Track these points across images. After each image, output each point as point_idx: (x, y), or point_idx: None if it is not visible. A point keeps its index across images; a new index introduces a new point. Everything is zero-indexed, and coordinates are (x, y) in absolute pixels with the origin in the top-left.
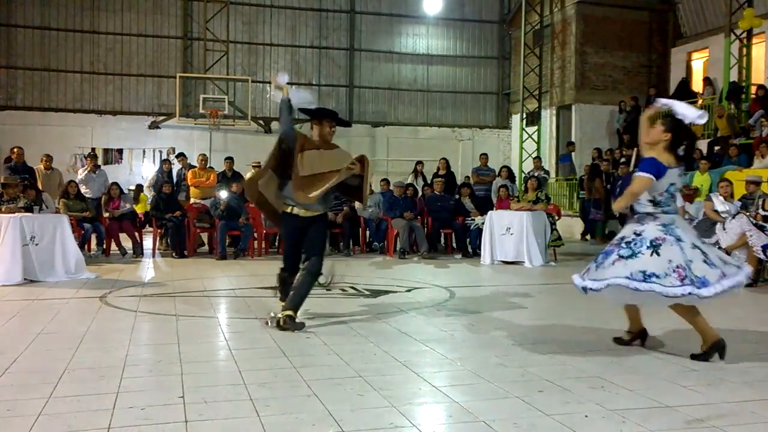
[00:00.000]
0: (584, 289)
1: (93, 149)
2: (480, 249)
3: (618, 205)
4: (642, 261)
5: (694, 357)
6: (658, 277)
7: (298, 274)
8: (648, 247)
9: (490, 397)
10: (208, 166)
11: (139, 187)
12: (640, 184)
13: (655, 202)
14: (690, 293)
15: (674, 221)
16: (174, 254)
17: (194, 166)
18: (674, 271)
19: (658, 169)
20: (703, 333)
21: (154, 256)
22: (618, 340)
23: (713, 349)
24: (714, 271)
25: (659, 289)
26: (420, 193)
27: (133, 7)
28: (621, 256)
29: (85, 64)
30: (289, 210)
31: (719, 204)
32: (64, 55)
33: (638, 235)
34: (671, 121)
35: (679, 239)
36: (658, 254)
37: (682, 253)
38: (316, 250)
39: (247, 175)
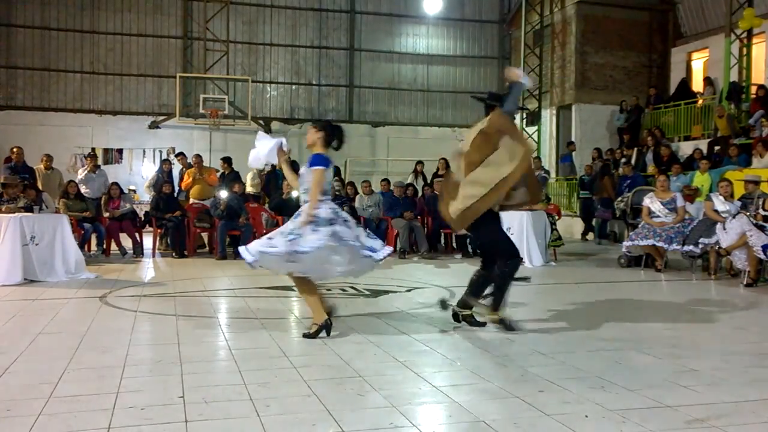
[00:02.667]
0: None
1: (93, 149)
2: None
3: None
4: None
5: (305, 336)
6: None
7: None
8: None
9: (490, 397)
10: (204, 165)
11: None
12: (319, 176)
13: (324, 192)
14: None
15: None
16: (174, 254)
17: (192, 166)
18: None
19: (327, 161)
20: (314, 311)
21: (154, 256)
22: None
23: (321, 328)
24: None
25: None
26: (420, 193)
27: (133, 7)
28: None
29: (85, 64)
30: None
31: (719, 204)
32: (64, 55)
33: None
34: (321, 123)
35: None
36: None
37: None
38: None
39: (248, 175)
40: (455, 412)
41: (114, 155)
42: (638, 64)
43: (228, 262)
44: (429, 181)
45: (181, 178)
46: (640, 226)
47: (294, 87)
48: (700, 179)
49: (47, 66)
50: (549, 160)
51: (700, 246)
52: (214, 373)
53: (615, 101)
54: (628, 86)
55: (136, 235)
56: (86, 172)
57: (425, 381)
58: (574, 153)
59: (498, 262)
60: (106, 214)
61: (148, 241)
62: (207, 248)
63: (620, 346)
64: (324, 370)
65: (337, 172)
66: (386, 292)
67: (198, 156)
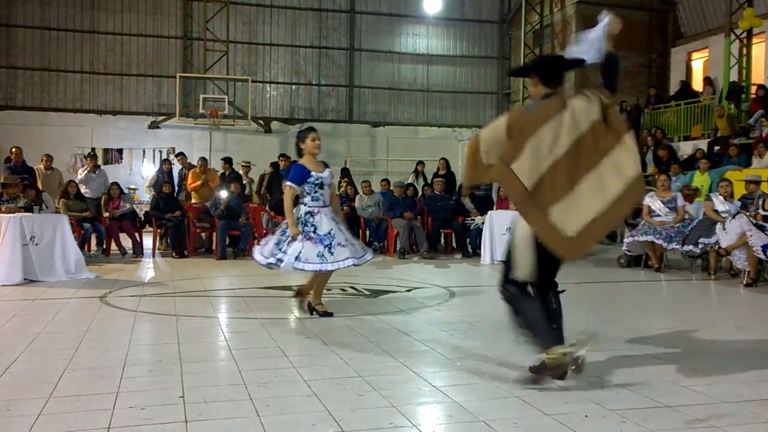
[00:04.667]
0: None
1: (93, 149)
2: (480, 249)
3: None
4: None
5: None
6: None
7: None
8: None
9: (490, 397)
10: (208, 166)
11: None
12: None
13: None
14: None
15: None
16: (174, 254)
17: (194, 166)
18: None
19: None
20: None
21: (154, 256)
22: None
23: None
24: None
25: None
26: (420, 193)
27: (133, 7)
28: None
29: (85, 64)
30: None
31: (719, 204)
32: (64, 55)
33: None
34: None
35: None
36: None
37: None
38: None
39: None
40: (455, 412)
41: (114, 155)
42: (638, 64)
43: (228, 262)
44: (429, 181)
45: (181, 178)
46: (640, 224)
47: (294, 87)
48: (700, 179)
49: (47, 66)
50: None
51: (700, 246)
52: (214, 373)
53: (615, 101)
54: (628, 86)
55: (136, 235)
56: (86, 172)
57: (425, 381)
58: None
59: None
60: (106, 214)
61: (148, 241)
62: (204, 248)
63: (620, 346)
64: (324, 370)
65: (347, 173)
66: (386, 292)
67: (204, 159)
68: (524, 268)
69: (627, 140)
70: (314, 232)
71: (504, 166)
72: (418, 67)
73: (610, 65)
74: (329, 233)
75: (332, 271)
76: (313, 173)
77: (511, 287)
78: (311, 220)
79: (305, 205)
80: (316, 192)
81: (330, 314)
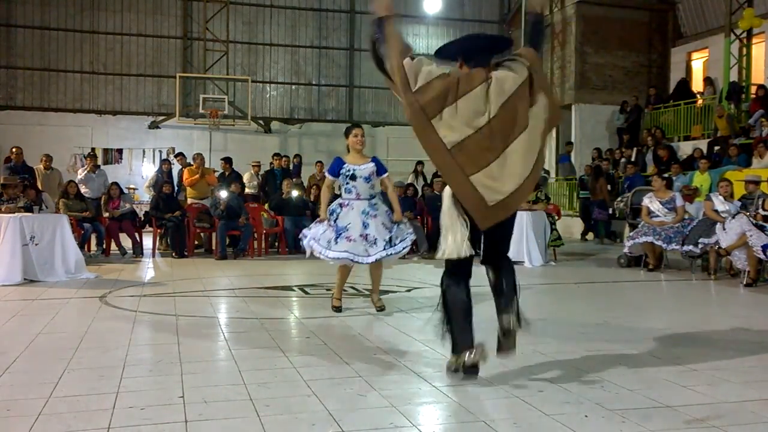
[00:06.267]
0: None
1: (93, 149)
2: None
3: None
4: None
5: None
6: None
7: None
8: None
9: (490, 397)
10: (205, 166)
11: None
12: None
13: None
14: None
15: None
16: (174, 254)
17: (191, 164)
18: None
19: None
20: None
21: (154, 256)
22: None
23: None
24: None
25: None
26: (420, 193)
27: (133, 7)
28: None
29: (84, 64)
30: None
31: (719, 204)
32: (64, 55)
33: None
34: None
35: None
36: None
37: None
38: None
39: (246, 176)
40: (455, 412)
41: (114, 155)
42: (638, 64)
43: (228, 262)
44: (429, 181)
45: (180, 177)
46: (640, 225)
47: (294, 87)
48: (700, 179)
49: (47, 66)
50: (549, 160)
51: (700, 246)
52: (214, 373)
53: (615, 101)
54: (628, 86)
55: (136, 235)
56: (86, 172)
57: (425, 381)
58: (572, 153)
59: (507, 260)
60: (106, 214)
61: (148, 241)
62: (203, 248)
63: (620, 346)
64: (324, 370)
65: None
66: (386, 292)
67: (200, 155)
68: (454, 245)
69: (540, 111)
70: (335, 221)
71: (424, 120)
72: None
73: (536, 26)
74: (347, 226)
75: (347, 266)
76: (346, 165)
77: (446, 279)
78: (338, 210)
79: (340, 196)
80: (347, 183)
81: (339, 309)
